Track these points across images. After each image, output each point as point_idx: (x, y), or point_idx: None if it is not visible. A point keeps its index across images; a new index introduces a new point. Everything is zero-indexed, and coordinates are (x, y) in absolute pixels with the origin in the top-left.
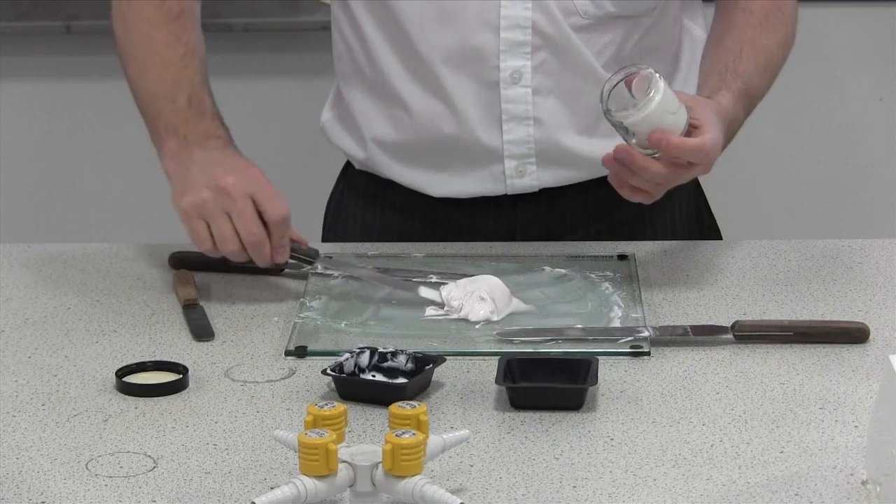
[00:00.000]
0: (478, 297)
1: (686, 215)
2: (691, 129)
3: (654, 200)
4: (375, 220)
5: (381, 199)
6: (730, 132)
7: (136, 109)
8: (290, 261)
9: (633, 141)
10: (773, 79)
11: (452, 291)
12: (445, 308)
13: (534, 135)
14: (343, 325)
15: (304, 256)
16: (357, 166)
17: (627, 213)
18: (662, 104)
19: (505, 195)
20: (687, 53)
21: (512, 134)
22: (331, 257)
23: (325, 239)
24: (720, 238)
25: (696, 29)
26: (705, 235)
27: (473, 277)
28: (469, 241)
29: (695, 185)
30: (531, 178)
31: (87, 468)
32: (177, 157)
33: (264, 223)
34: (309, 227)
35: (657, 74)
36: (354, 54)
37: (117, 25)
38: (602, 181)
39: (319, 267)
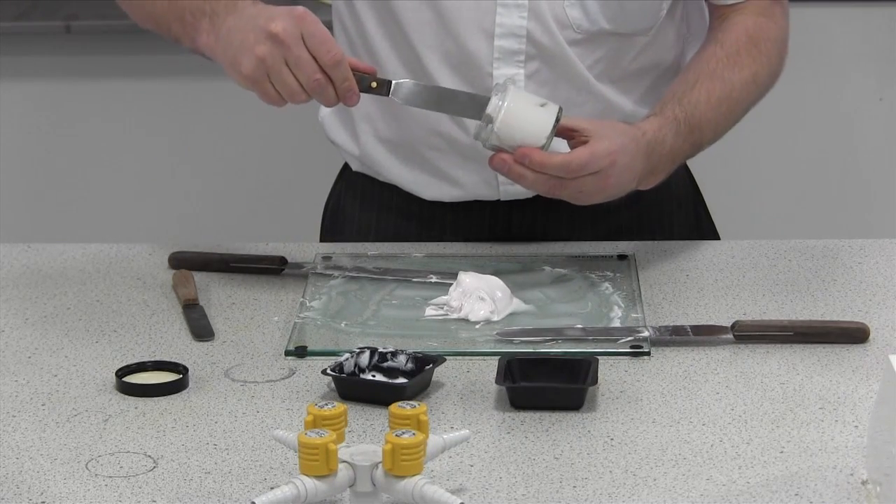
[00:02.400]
0: (477, 297)
1: (684, 222)
2: (579, 144)
3: (583, 203)
4: (371, 222)
5: (378, 201)
6: (656, 156)
7: (136, 109)
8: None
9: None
10: (732, 113)
11: (454, 291)
12: (445, 308)
13: None
14: (343, 325)
15: (377, 93)
16: (353, 166)
17: (624, 219)
18: (507, 118)
19: (499, 201)
20: None
21: None
22: (330, 257)
23: (323, 239)
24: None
25: (698, 45)
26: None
27: (473, 274)
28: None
29: (693, 191)
30: None
31: (87, 468)
32: (212, 33)
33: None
34: (308, 228)
35: (499, 92)
36: (355, 49)
37: None
38: None
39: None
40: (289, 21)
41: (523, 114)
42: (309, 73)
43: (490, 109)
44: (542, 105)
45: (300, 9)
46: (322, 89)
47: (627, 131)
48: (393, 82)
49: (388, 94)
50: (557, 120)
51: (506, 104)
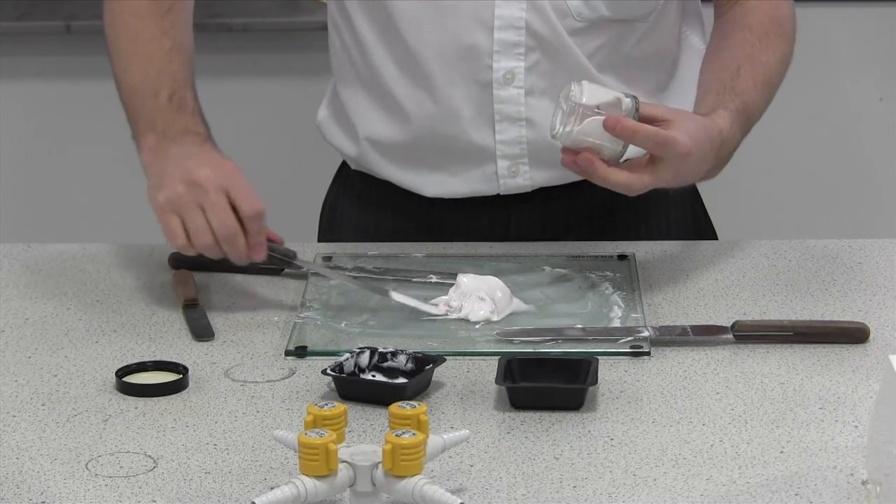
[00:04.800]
0: (477, 298)
1: (682, 219)
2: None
3: (637, 193)
4: (370, 221)
5: (376, 200)
6: (724, 152)
7: None
8: (269, 260)
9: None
10: (772, 96)
11: (453, 293)
12: (445, 308)
13: (526, 135)
14: (343, 325)
15: (282, 256)
16: (352, 166)
17: (622, 216)
18: (589, 120)
19: (499, 196)
20: (685, 62)
21: (504, 134)
22: (330, 258)
23: (321, 239)
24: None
25: (695, 38)
26: (701, 238)
27: (472, 276)
28: (465, 241)
29: (691, 189)
30: (524, 178)
31: (87, 468)
32: (154, 152)
33: (239, 220)
34: (305, 228)
35: (574, 85)
36: (350, 52)
37: (107, 18)
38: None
39: (303, 266)
40: (215, 171)
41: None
42: (222, 217)
43: (573, 104)
44: (618, 97)
45: (231, 164)
46: (233, 238)
47: (706, 128)
48: (297, 254)
49: (291, 263)
50: (637, 107)
51: (585, 96)
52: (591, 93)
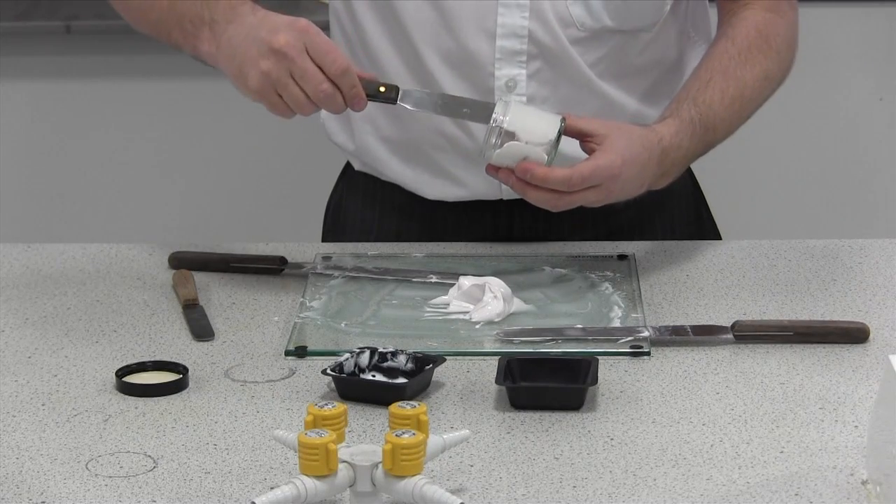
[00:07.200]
0: (492, 296)
1: (686, 221)
2: (590, 148)
3: (560, 210)
4: (373, 222)
5: (380, 201)
6: (669, 160)
7: (136, 109)
8: (374, 101)
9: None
10: (745, 112)
11: (454, 294)
12: (454, 304)
13: None
14: (343, 325)
15: (385, 99)
16: (355, 165)
17: (625, 218)
18: (507, 145)
19: (502, 201)
20: (691, 67)
21: None
22: (330, 257)
23: (324, 239)
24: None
25: (703, 47)
26: (705, 239)
27: (472, 278)
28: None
29: (694, 190)
30: None
31: (87, 468)
32: (213, 42)
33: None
34: (309, 228)
35: (499, 105)
36: (354, 50)
37: None
38: None
39: (404, 98)
40: (292, 34)
41: (524, 130)
42: (315, 84)
43: (492, 127)
44: (544, 118)
45: (302, 21)
46: (330, 98)
47: (642, 138)
48: (401, 89)
49: (396, 101)
50: (560, 133)
51: (507, 119)
52: (515, 113)
